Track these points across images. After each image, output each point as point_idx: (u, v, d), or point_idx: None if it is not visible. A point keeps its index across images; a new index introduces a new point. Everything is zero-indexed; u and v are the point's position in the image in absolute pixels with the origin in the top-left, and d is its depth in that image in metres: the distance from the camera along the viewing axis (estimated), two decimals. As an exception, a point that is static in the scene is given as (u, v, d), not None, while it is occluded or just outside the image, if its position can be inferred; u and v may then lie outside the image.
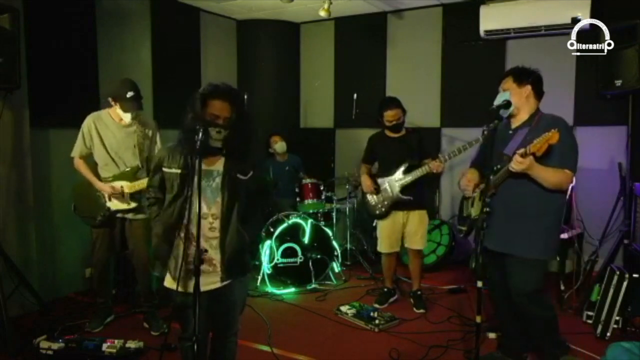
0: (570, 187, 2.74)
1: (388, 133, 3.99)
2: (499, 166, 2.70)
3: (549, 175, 2.56)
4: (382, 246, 4.02)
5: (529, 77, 2.73)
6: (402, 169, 3.84)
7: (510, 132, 2.77)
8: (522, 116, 2.75)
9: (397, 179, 3.84)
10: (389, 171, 3.91)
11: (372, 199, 3.98)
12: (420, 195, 3.92)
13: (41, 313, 3.63)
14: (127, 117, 3.31)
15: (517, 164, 2.49)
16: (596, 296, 3.57)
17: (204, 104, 2.14)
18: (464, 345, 3.28)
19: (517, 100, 2.71)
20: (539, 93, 2.76)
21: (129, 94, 3.15)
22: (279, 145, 5.23)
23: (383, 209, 3.92)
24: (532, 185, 2.61)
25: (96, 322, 3.51)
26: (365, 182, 3.99)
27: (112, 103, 3.30)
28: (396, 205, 3.89)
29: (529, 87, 2.72)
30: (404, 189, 3.83)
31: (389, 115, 3.87)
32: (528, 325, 2.85)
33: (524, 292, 2.71)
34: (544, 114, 2.75)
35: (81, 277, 4.34)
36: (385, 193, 3.91)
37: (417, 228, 3.92)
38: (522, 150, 2.49)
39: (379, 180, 3.95)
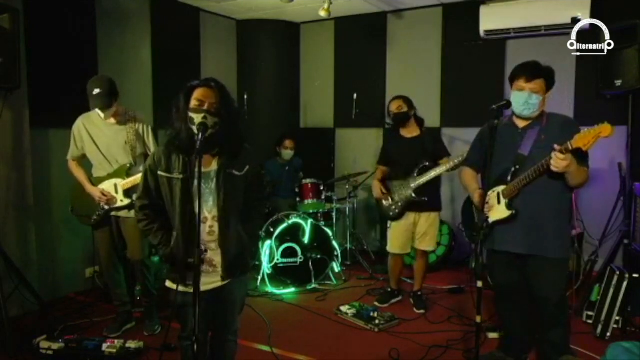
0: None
1: (403, 133, 3.95)
2: (517, 167, 2.62)
3: (580, 174, 2.47)
4: (392, 246, 4.00)
5: (554, 81, 2.66)
6: (416, 170, 3.82)
7: (520, 131, 2.68)
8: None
9: (412, 180, 3.82)
10: (401, 174, 3.89)
11: (385, 201, 3.96)
12: (433, 196, 3.90)
13: (41, 313, 3.62)
14: (104, 115, 3.19)
15: (558, 162, 2.34)
16: (596, 296, 3.57)
17: (188, 99, 2.08)
18: (464, 345, 3.28)
19: (542, 104, 2.63)
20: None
21: (95, 92, 3.09)
22: (286, 153, 5.18)
23: (397, 211, 3.90)
24: (553, 185, 2.54)
25: (114, 327, 3.47)
26: (375, 188, 3.99)
27: None
28: (410, 206, 3.87)
29: (551, 91, 2.66)
30: (418, 189, 3.81)
31: (392, 105, 3.92)
32: (547, 331, 2.77)
33: (555, 295, 2.66)
34: (548, 112, 2.70)
35: (81, 277, 4.34)
36: (399, 195, 3.89)
37: (427, 229, 3.90)
38: (564, 146, 2.34)
39: (394, 183, 3.93)
